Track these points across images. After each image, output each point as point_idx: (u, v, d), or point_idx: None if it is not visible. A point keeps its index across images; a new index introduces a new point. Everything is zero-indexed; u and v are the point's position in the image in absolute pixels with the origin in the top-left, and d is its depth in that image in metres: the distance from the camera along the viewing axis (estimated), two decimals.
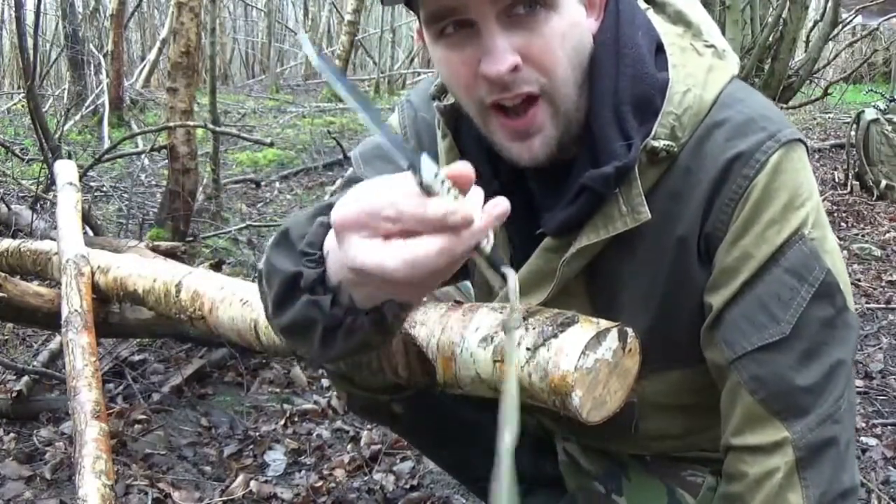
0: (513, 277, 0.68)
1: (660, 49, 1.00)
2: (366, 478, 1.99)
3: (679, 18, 1.04)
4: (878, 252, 4.05)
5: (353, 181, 1.13)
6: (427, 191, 0.64)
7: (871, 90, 8.14)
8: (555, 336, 0.89)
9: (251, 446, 2.15)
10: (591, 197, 0.96)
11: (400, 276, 0.65)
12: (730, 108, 0.98)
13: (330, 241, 0.77)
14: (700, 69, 0.99)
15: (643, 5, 1.07)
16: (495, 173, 1.05)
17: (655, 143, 0.96)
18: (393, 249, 0.65)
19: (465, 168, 0.66)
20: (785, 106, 6.03)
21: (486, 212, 0.65)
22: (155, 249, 2.61)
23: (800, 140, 0.98)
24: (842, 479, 0.97)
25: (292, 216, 0.84)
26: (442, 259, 0.64)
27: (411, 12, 0.98)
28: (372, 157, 1.15)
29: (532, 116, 0.93)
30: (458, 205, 0.64)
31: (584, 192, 0.96)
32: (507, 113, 0.94)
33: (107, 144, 5.36)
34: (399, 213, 0.64)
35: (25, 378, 2.25)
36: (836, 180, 5.58)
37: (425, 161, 0.64)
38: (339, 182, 1.33)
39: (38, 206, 3.81)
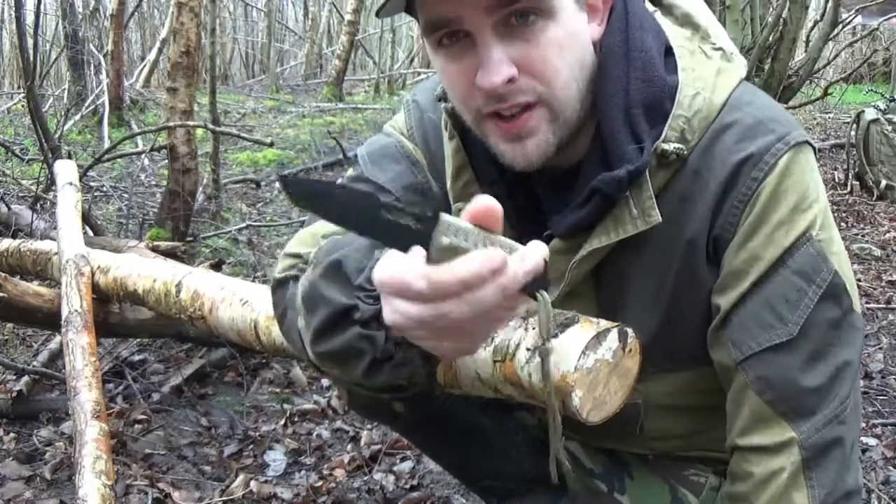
0: (547, 302, 0.69)
1: (668, 52, 1.00)
2: (366, 478, 1.99)
3: (687, 21, 1.04)
4: (878, 252, 4.05)
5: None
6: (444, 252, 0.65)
7: (871, 90, 8.15)
8: (555, 336, 0.88)
9: (251, 446, 2.14)
10: (601, 200, 0.96)
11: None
12: (739, 110, 0.98)
13: None
14: (709, 72, 0.99)
15: (650, 7, 1.07)
16: (501, 175, 1.05)
17: (665, 146, 0.95)
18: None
19: (486, 204, 0.67)
20: (785, 106, 6.02)
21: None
22: (155, 249, 2.60)
23: (808, 142, 0.98)
24: (846, 479, 0.97)
25: (337, 243, 0.83)
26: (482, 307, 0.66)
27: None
28: (379, 157, 1.14)
29: (525, 119, 0.93)
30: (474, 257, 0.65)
31: (595, 195, 0.96)
32: (503, 117, 0.94)
33: (107, 144, 5.36)
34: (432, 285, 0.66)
35: (25, 378, 2.25)
36: (836, 180, 5.58)
37: (444, 220, 0.65)
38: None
39: (38, 206, 3.81)
